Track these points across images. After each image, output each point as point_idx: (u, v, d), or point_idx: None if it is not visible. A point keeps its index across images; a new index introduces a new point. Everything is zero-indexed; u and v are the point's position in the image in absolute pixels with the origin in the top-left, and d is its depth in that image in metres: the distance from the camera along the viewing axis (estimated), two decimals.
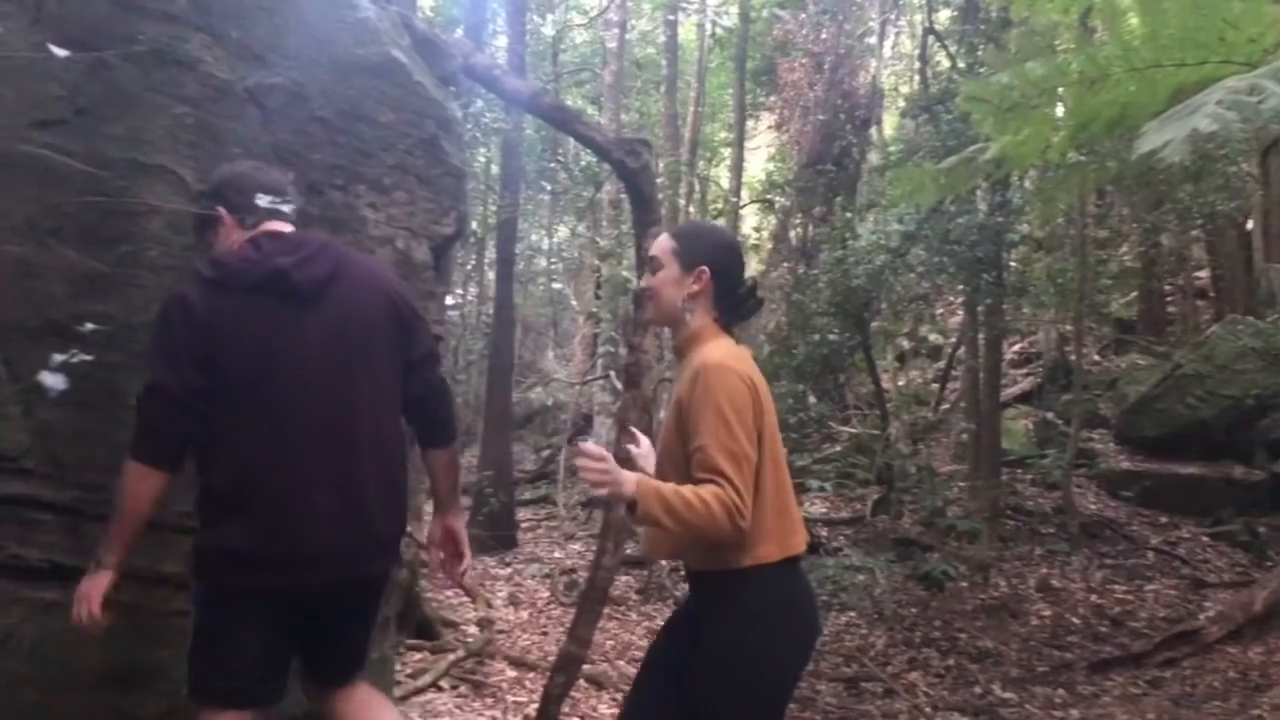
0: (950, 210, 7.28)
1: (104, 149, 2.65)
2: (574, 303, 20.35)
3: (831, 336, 7.59)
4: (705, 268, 2.30)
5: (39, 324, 2.53)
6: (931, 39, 10.46)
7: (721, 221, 16.45)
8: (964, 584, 8.99)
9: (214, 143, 2.75)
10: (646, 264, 2.41)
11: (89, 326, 1.79)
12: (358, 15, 2.97)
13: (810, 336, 7.65)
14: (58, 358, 1.63)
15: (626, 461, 2.37)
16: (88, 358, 1.74)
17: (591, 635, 3.36)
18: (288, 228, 2.35)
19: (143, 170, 2.67)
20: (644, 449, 2.55)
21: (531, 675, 6.07)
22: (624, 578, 9.75)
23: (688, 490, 2.03)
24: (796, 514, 2.29)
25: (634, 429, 2.71)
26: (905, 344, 14.66)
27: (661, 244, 2.38)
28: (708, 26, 12.70)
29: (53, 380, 1.60)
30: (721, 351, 2.19)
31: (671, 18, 12.27)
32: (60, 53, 2.33)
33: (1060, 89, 5.14)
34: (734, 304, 2.35)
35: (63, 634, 2.44)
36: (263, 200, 2.28)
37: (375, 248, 2.90)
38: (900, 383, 14.43)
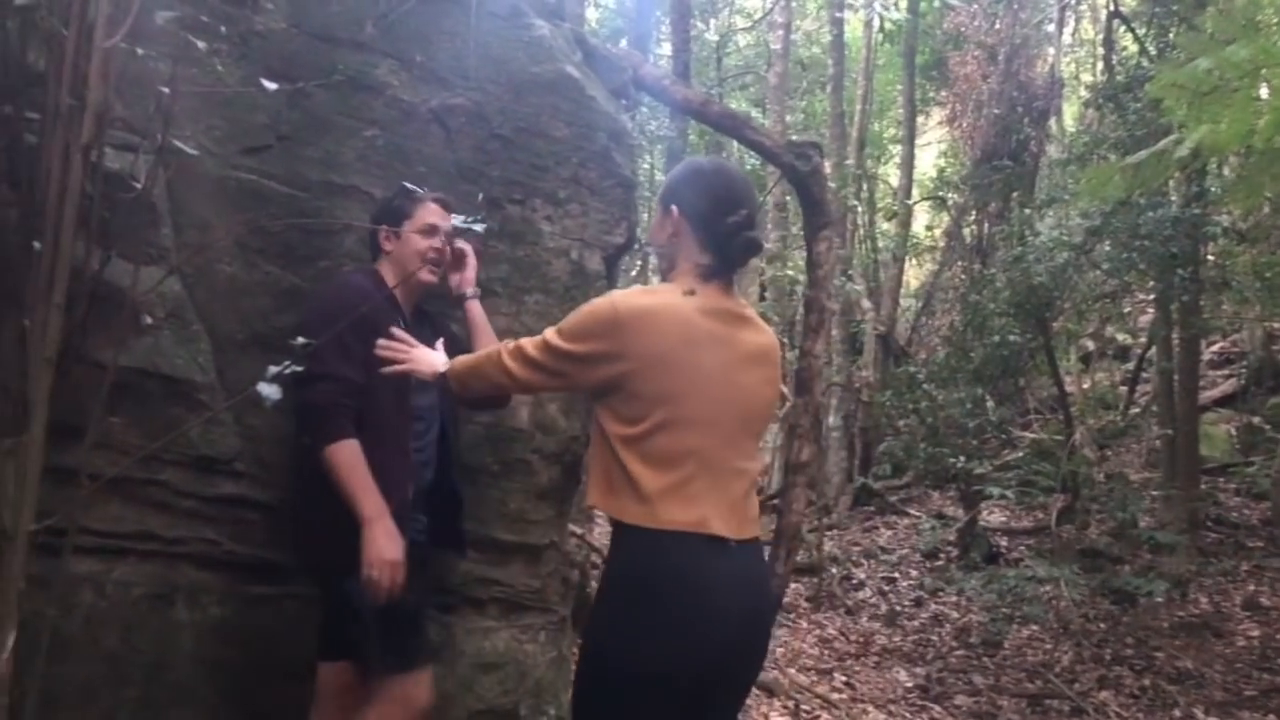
0: (1140, 203, 6.85)
1: (303, 172, 2.83)
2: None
3: (1011, 338, 7.28)
4: (674, 206, 2.06)
5: (246, 337, 2.73)
6: (1117, 23, 9.88)
7: (891, 222, 16.08)
8: (1159, 600, 8.45)
9: (402, 163, 2.90)
10: None
11: (299, 340, 1.91)
12: (533, 34, 3.07)
13: (989, 338, 7.36)
14: (273, 369, 1.75)
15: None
16: (299, 369, 1.86)
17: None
18: None
19: (337, 191, 2.84)
20: None
21: None
22: (794, 585, 9.66)
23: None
24: (712, 495, 1.92)
25: None
26: (1090, 345, 13.91)
27: None
28: (875, 21, 12.39)
29: (269, 390, 1.72)
30: (637, 292, 2.01)
31: (839, 15, 12.05)
32: (270, 86, 2.50)
33: (1265, 70, 4.77)
34: (719, 245, 2.02)
35: (270, 625, 2.64)
36: None
37: (551, 259, 2.99)
38: (1085, 385, 13.70)
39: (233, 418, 2.65)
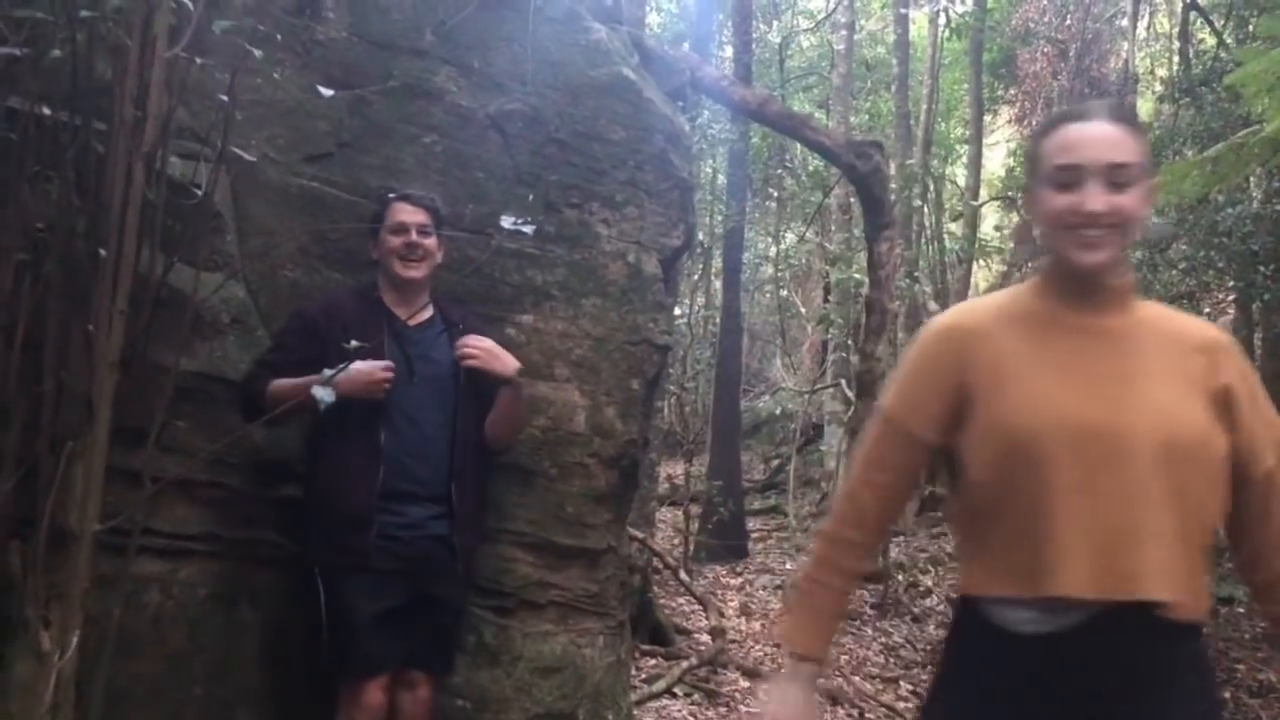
0: (1218, 200, 6.62)
1: (363, 178, 2.86)
2: (802, 309, 20.16)
3: None
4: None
5: None
6: (1194, 15, 9.58)
7: (958, 223, 15.80)
8: (1241, 609, 8.18)
9: (460, 168, 2.92)
10: (1110, 173, 1.47)
11: (354, 344, 1.92)
12: (590, 38, 3.07)
13: None
14: (327, 372, 1.76)
15: None
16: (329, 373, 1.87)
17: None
18: None
19: None
20: None
21: (765, 687, 6.01)
22: (859, 592, 9.53)
23: None
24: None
25: None
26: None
27: (1129, 144, 1.50)
28: (941, 18, 12.17)
29: (323, 394, 1.74)
30: None
31: (904, 11, 11.87)
32: (327, 92, 2.53)
33: None
34: None
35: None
36: None
37: (609, 262, 2.98)
38: None
39: (296, 421, 2.69)
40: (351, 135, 2.91)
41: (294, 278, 2.79)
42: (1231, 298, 9.15)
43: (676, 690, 5.67)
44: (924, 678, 7.21)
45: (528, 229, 2.26)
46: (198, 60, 1.91)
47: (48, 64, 1.75)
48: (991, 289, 18.43)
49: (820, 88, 15.69)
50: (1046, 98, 17.21)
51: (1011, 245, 17.61)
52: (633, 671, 6.09)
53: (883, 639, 8.16)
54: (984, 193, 24.06)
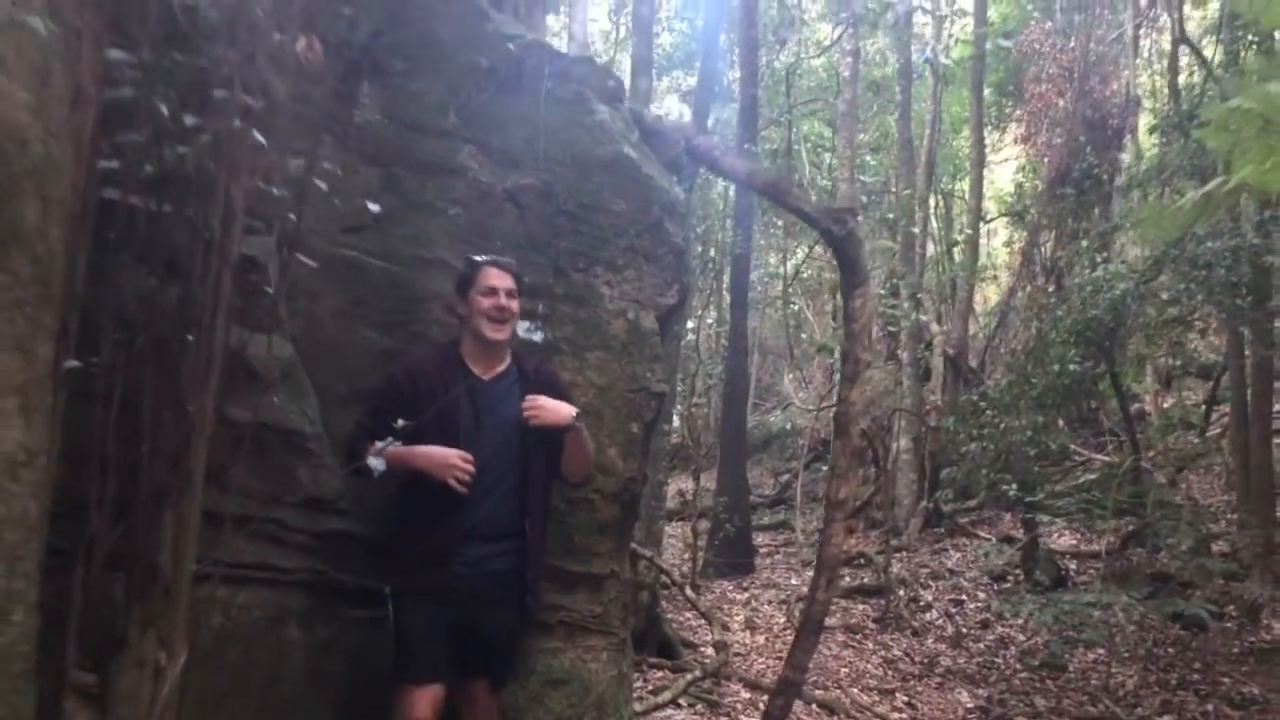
0: (1199, 234, 6.95)
1: (395, 248, 3.25)
2: (814, 323, 20.49)
3: (1072, 367, 7.41)
4: None
5: (347, 393, 3.15)
6: (1184, 48, 9.88)
7: (962, 245, 16.07)
8: (1229, 625, 8.45)
9: (481, 238, 3.30)
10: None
11: (400, 422, 2.29)
12: (595, 119, 3.45)
13: (1050, 366, 7.50)
14: (379, 444, 2.13)
15: None
16: (398, 443, 2.23)
17: (808, 663, 3.64)
18: None
19: (425, 264, 3.26)
20: None
21: (766, 698, 6.34)
22: (861, 606, 9.86)
23: None
24: None
25: None
26: (1174, 361, 13.75)
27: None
28: (938, 55, 12.50)
29: (376, 463, 2.10)
30: None
31: (905, 46, 12.23)
32: (364, 170, 2.91)
33: None
34: None
35: (367, 644, 3.04)
36: None
37: (611, 319, 3.36)
38: (1165, 404, 13.56)
39: (336, 463, 3.07)
40: (385, 208, 3.28)
41: (334, 336, 3.17)
42: (1214, 325, 9.43)
43: (681, 701, 6.01)
44: (920, 689, 7.53)
45: (537, 336, 2.64)
46: (264, 143, 2.25)
47: (151, 172, 2.13)
48: (998, 305, 18.72)
49: (827, 110, 16.04)
50: (1051, 119, 17.49)
51: (1018, 262, 17.89)
52: (640, 683, 6.45)
53: (882, 652, 8.47)
54: (994, 207, 24.37)
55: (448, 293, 3.14)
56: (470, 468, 2.80)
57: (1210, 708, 7.06)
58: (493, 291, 2.94)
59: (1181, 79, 10.95)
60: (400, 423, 2.47)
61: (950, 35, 15.89)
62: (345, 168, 3.21)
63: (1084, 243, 8.91)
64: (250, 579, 2.92)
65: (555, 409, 2.92)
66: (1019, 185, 19.33)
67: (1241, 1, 5.37)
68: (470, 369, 2.99)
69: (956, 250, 16.20)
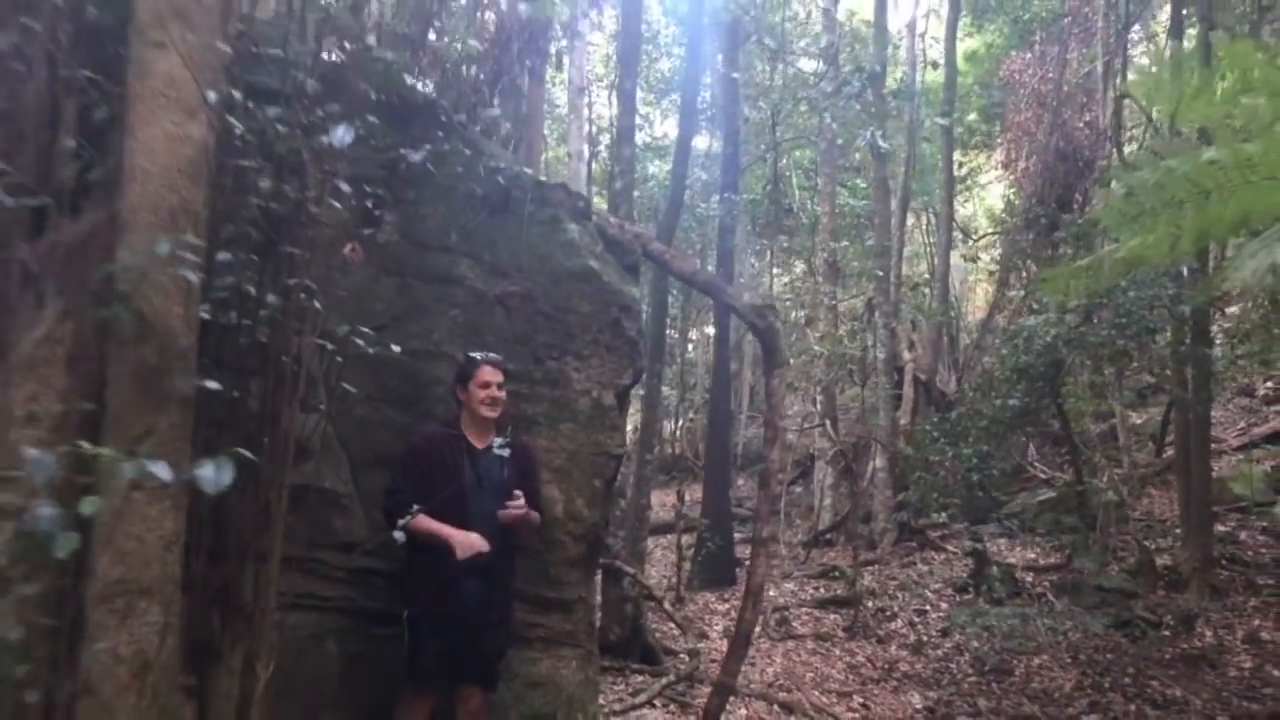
0: (1123, 285, 7.80)
1: (409, 343, 4.13)
2: (813, 338, 21.32)
3: (1012, 402, 8.27)
4: None
5: (372, 458, 4.04)
6: (1127, 101, 10.72)
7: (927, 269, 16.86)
8: (1167, 633, 9.21)
9: (476, 334, 4.19)
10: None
11: (415, 507, 3.20)
12: (566, 237, 4.34)
13: (994, 401, 8.36)
14: (401, 522, 3.01)
15: None
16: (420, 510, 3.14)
17: (738, 669, 4.52)
18: None
19: (432, 356, 4.14)
20: None
21: (731, 700, 7.21)
22: (832, 616, 10.72)
23: None
24: None
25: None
26: (1150, 378, 14.48)
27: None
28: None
29: (399, 535, 3.00)
30: None
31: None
32: (384, 279, 3.80)
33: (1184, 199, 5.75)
34: None
35: (389, 656, 3.92)
36: None
37: (578, 398, 4.26)
38: (1139, 420, 14.30)
39: (363, 514, 3.97)
40: (400, 310, 4.18)
41: (362, 413, 4.06)
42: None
43: (656, 702, 6.89)
44: (876, 693, 8.39)
45: (504, 452, 3.58)
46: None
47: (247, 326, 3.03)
48: (977, 325, 19.55)
49: (808, 151, 16.87)
50: (1030, 146, 18.31)
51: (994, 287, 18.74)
52: (623, 686, 7.33)
53: (848, 658, 9.32)
54: (985, 223, 25.22)
55: (449, 379, 4.04)
56: (486, 547, 3.67)
57: (1133, 707, 7.86)
58: (487, 384, 3.85)
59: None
60: (415, 507, 3.39)
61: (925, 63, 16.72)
62: (368, 278, 4.12)
63: (1019, 292, 9.74)
64: (298, 605, 3.81)
65: (527, 519, 3.85)
66: (1009, 201, 20.13)
67: (1138, 87, 6.26)
68: (470, 441, 3.89)
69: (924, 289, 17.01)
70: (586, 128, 14.75)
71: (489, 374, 3.85)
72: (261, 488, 3.04)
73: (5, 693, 2.29)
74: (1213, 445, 15.60)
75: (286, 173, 2.95)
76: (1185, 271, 7.93)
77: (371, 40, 4.11)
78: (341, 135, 2.92)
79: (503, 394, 3.87)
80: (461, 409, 3.93)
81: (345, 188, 3.10)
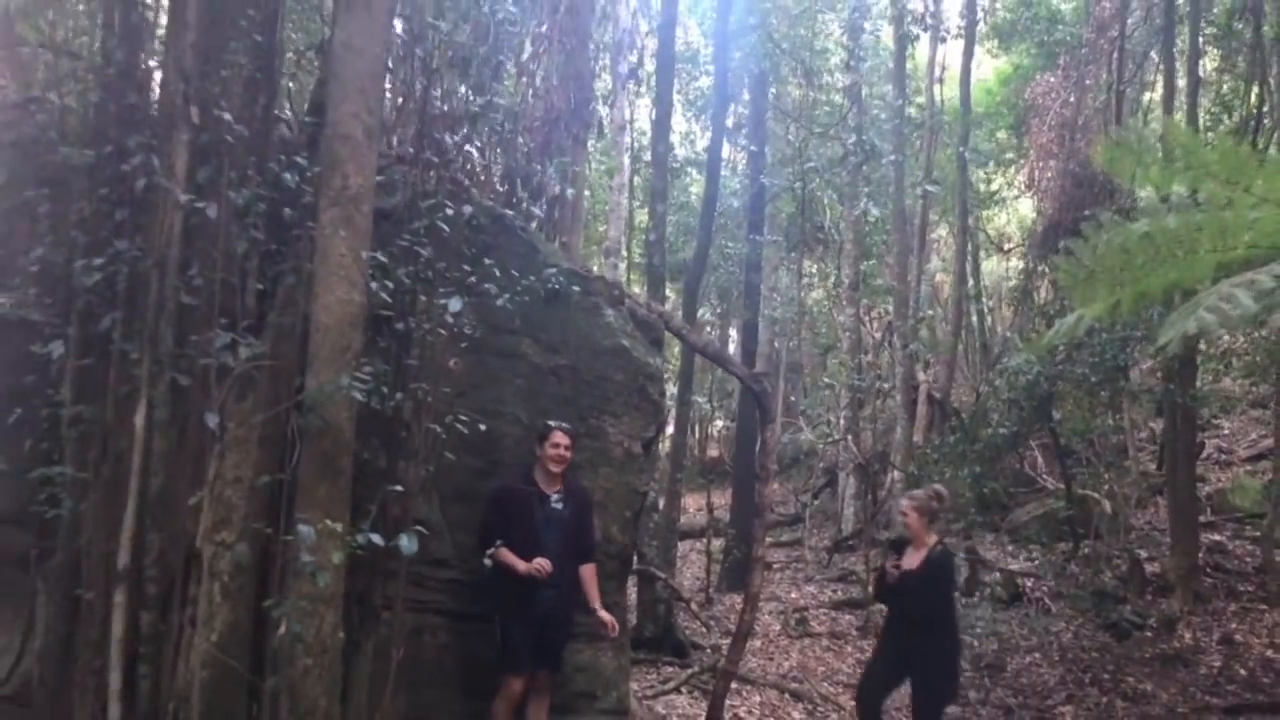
0: (1095, 326, 8.84)
1: (484, 407, 5.36)
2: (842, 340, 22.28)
3: (1003, 430, 9.34)
4: None
5: (456, 495, 5.26)
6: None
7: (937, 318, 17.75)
8: (1149, 634, 10.14)
9: (534, 400, 5.42)
10: None
11: (499, 543, 4.47)
12: (605, 320, 5.57)
13: (985, 430, 9.44)
14: (490, 552, 4.30)
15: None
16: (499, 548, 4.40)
17: (738, 659, 5.74)
18: None
19: (500, 416, 5.37)
20: None
21: (748, 688, 8.40)
22: (847, 616, 11.83)
23: None
24: None
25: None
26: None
27: None
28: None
29: (488, 563, 4.31)
30: None
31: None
32: (466, 357, 5.04)
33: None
34: None
35: (476, 646, 5.14)
36: None
37: (613, 448, 5.49)
38: (1142, 434, 15.14)
39: (450, 538, 5.21)
40: (475, 380, 5.39)
41: (448, 461, 5.30)
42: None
43: (682, 689, 8.11)
44: None
45: (564, 499, 4.83)
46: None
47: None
48: (998, 340, 20.45)
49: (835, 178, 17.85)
50: (1052, 167, 19.13)
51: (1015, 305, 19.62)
52: (654, 676, 8.56)
53: (858, 655, 10.42)
54: (1016, 234, 26.00)
55: (515, 435, 5.28)
56: (550, 568, 4.89)
57: (1105, 699, 8.87)
58: (557, 445, 5.10)
59: None
60: (499, 542, 4.66)
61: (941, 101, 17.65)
62: (454, 354, 5.37)
63: (1013, 335, 10.77)
64: (406, 607, 5.07)
65: (612, 629, 5.21)
66: (1035, 218, 20.90)
67: (1100, 154, 7.28)
68: (541, 488, 5.13)
69: (930, 325, 17.88)
70: (626, 202, 15.90)
71: (559, 438, 5.09)
72: (389, 520, 4.32)
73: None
74: (1222, 456, 16.49)
75: (410, 315, 4.23)
76: (1155, 316, 8.93)
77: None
78: (455, 305, 4.19)
79: (569, 454, 5.10)
80: (535, 462, 5.16)
81: (450, 318, 4.33)
